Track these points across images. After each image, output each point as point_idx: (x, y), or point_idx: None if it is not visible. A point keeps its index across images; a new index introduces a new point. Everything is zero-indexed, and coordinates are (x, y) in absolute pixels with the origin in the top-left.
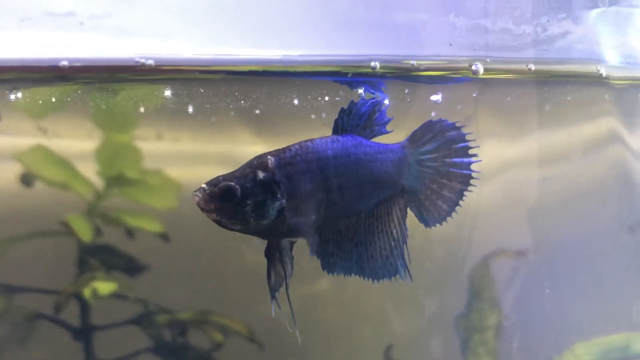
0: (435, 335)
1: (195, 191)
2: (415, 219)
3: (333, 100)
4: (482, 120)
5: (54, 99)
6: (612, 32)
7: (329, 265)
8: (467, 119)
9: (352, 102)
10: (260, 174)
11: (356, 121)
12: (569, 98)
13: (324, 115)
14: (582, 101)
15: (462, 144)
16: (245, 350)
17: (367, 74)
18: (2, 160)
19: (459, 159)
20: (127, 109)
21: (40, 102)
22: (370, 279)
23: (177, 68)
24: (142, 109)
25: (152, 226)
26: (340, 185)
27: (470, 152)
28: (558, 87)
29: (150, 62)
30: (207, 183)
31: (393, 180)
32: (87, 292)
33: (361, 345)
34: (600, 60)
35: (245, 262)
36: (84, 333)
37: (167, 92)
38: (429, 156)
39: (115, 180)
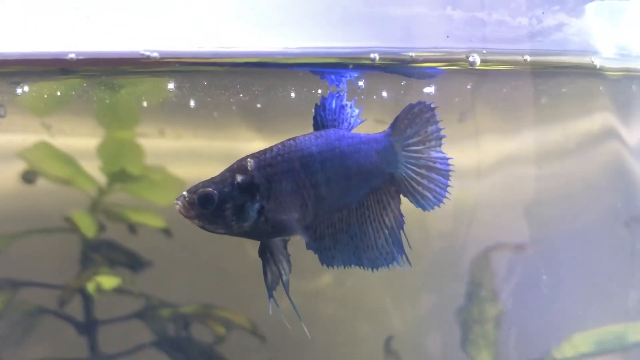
0: (435, 327)
1: (177, 199)
2: (414, 215)
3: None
4: (478, 114)
5: (59, 93)
6: (606, 24)
7: (327, 259)
8: (463, 113)
9: (322, 97)
10: (239, 177)
11: (332, 116)
12: (564, 90)
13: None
14: (577, 92)
15: (435, 126)
16: (248, 343)
17: (366, 66)
18: (6, 157)
19: (434, 142)
20: (129, 105)
21: (46, 96)
22: (370, 269)
23: (181, 60)
24: (144, 105)
25: (155, 222)
26: (328, 179)
27: (441, 134)
28: (553, 78)
29: (155, 54)
30: (187, 190)
31: (380, 169)
32: (90, 287)
33: (362, 338)
34: (594, 52)
35: (247, 256)
36: (88, 327)
37: (171, 85)
38: (412, 140)
39: (118, 177)
